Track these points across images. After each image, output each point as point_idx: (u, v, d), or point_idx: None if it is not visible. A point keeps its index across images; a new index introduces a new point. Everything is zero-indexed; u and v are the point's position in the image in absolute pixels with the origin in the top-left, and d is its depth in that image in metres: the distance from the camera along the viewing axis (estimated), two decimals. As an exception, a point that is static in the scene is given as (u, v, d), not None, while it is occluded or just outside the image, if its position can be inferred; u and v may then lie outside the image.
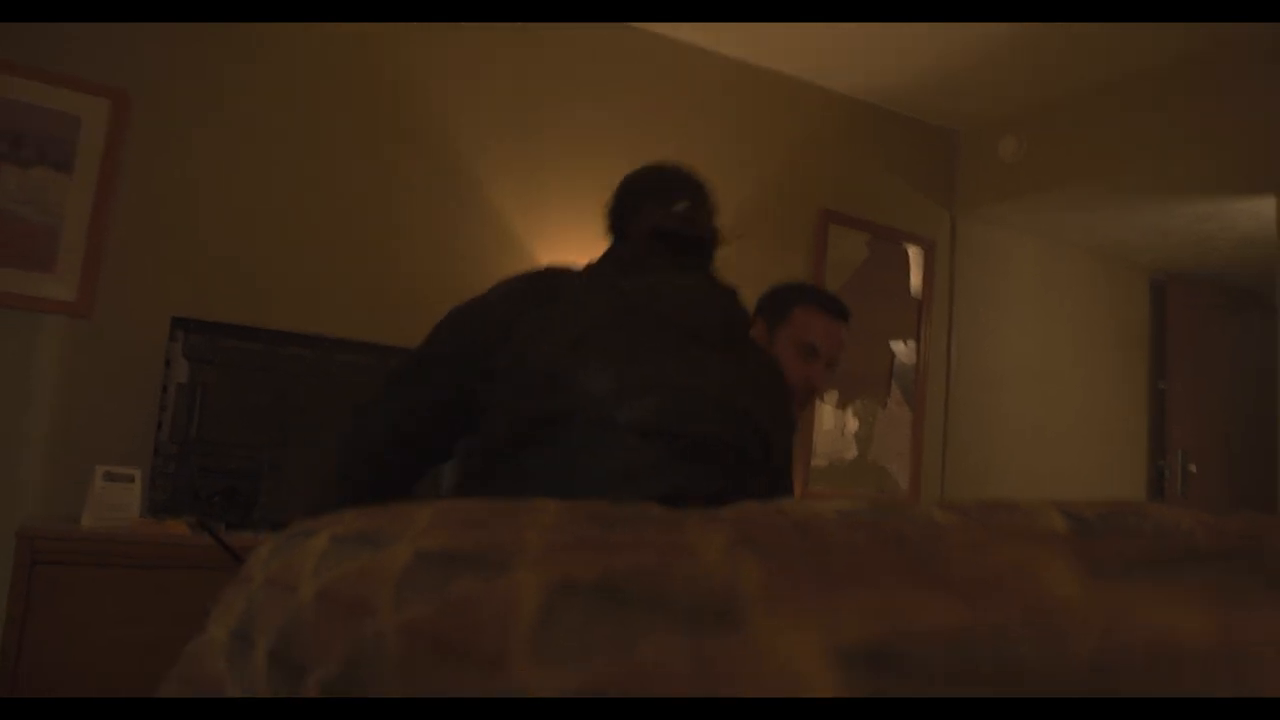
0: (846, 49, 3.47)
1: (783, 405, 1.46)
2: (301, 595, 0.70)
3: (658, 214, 1.45)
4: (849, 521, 0.71)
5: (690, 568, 0.39)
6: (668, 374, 1.27)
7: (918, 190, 3.99)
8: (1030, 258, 4.26)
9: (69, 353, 2.49)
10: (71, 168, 2.53)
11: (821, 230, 3.69)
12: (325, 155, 2.87)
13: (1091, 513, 0.79)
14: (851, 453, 3.66)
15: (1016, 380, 4.12)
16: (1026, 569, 0.30)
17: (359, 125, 2.92)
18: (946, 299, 4.00)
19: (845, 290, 3.72)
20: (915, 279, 3.91)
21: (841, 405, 3.64)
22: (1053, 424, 4.18)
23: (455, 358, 1.33)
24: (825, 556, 0.39)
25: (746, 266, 3.17)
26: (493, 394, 1.29)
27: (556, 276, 1.36)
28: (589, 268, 1.41)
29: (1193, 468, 4.30)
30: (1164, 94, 3.36)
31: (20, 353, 2.44)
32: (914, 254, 3.92)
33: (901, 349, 3.84)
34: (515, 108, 3.16)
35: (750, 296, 1.87)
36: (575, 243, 3.16)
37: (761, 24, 3.32)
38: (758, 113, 3.62)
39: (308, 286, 2.79)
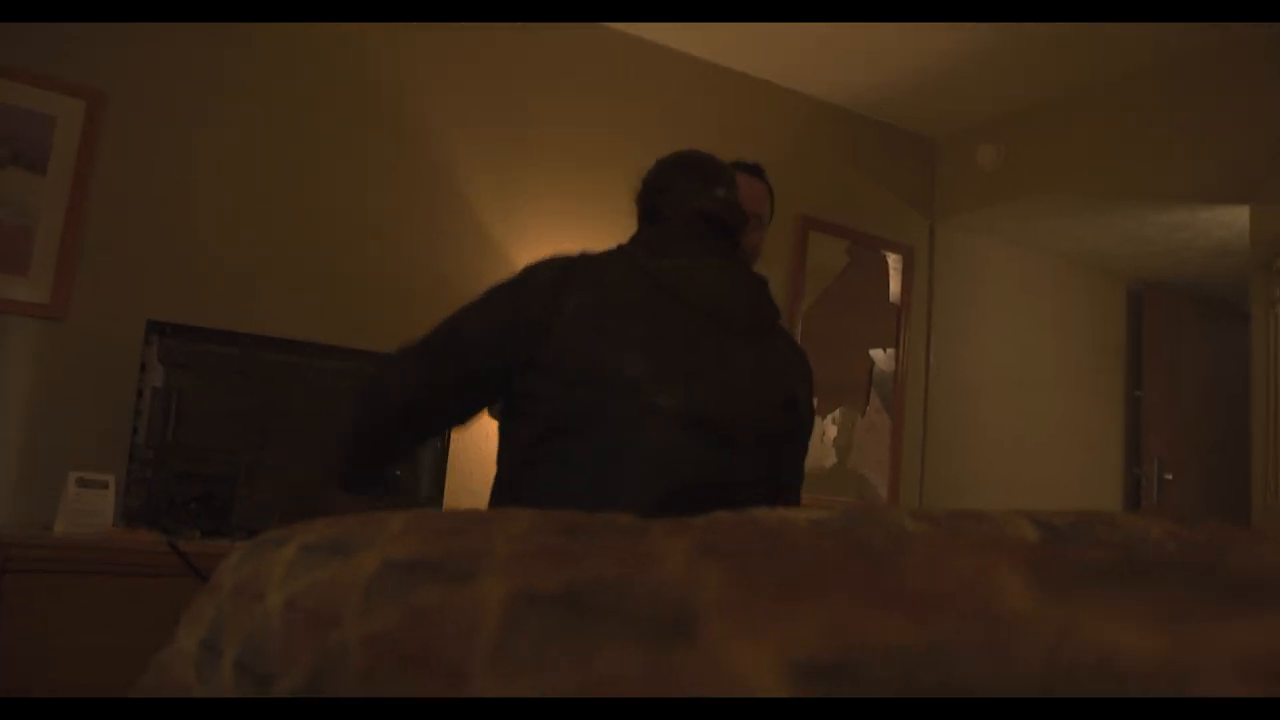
0: (826, 55, 3.48)
1: (811, 390, 1.51)
2: (269, 604, 0.70)
3: (700, 197, 1.47)
4: (819, 530, 0.71)
5: (652, 577, 0.39)
6: (701, 361, 1.31)
7: (897, 197, 4.01)
8: (1008, 265, 4.29)
9: (42, 356, 2.46)
10: (46, 169, 2.51)
11: (800, 237, 3.70)
12: (304, 159, 2.85)
13: (1062, 521, 0.80)
14: (831, 460, 3.67)
15: (995, 388, 4.14)
16: (980, 582, 0.30)
17: (338, 129, 2.91)
18: (925, 306, 4.02)
19: (825, 297, 3.73)
20: (894, 286, 3.93)
21: (821, 413, 3.65)
22: (1031, 431, 4.21)
23: (490, 346, 1.35)
24: (787, 566, 0.39)
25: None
26: (533, 384, 1.32)
27: (591, 263, 1.38)
28: (621, 250, 1.43)
29: (1169, 476, 4.33)
30: (1139, 103, 3.40)
31: (-8, 356, 2.41)
32: (893, 261, 3.94)
33: (880, 356, 3.85)
34: (495, 113, 3.16)
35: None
36: (555, 248, 3.15)
37: (741, 27, 3.33)
38: (737, 118, 3.63)
39: (285, 290, 2.78)
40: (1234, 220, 3.74)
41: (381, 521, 0.71)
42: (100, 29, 2.59)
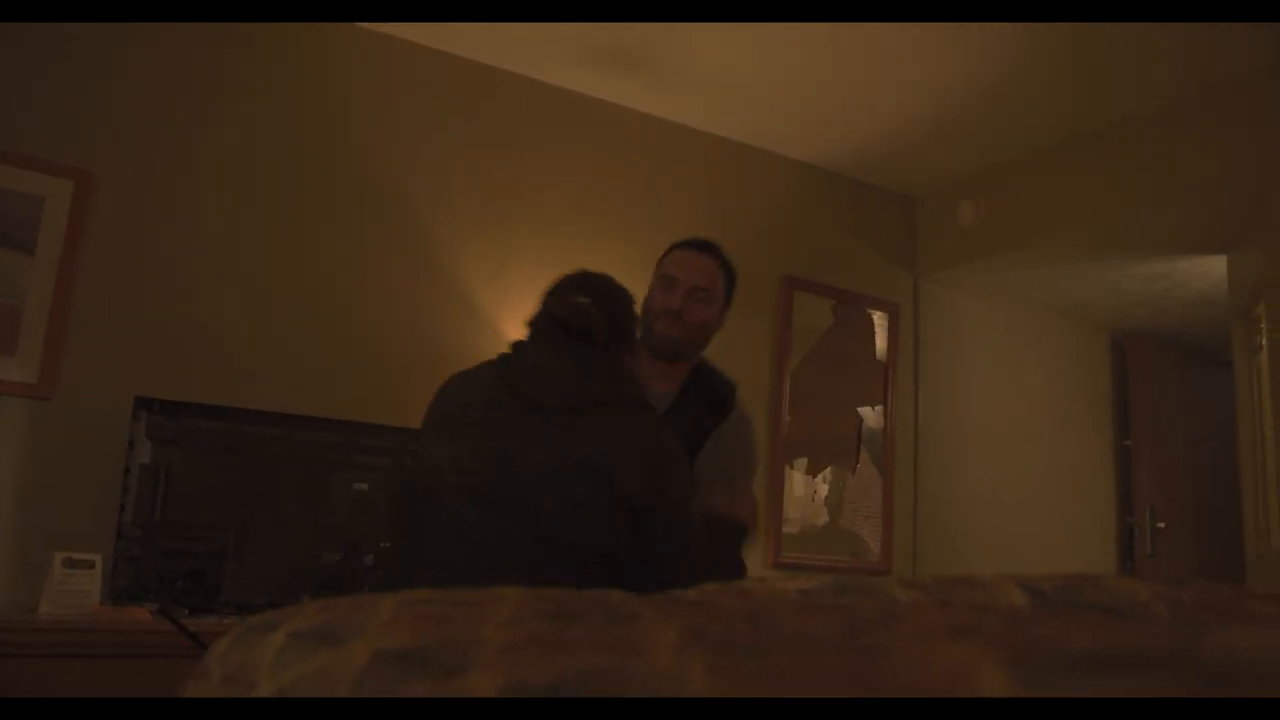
0: (809, 118, 3.55)
1: (653, 458, 1.56)
2: (259, 696, 0.69)
3: (552, 303, 1.69)
4: (808, 603, 0.71)
5: (640, 669, 0.40)
6: (505, 441, 1.51)
7: (880, 255, 4.06)
8: (992, 319, 4.33)
9: (30, 435, 2.45)
10: (34, 249, 2.52)
11: (786, 297, 3.73)
12: (290, 235, 2.88)
13: (1050, 586, 0.80)
14: (823, 519, 3.66)
15: (985, 441, 4.15)
16: (963, 676, 0.31)
17: (324, 204, 2.94)
18: (912, 362, 4.04)
19: (811, 356, 3.76)
20: (880, 343, 3.96)
21: (811, 472, 3.65)
22: (1022, 483, 4.21)
23: None
24: (773, 655, 0.40)
25: (713, 334, 3.20)
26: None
27: (451, 378, 1.68)
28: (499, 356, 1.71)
29: (1161, 524, 4.33)
30: (1115, 157, 3.47)
31: (-21, 437, 2.40)
32: (878, 318, 3.97)
33: (869, 414, 3.87)
34: (479, 182, 3.20)
35: (720, 361, 2.05)
36: (542, 314, 3.17)
37: (724, 92, 3.40)
38: (721, 182, 3.68)
39: (272, 365, 2.78)
40: (1211, 270, 3.80)
41: (372, 606, 0.70)
42: (88, 111, 2.63)
